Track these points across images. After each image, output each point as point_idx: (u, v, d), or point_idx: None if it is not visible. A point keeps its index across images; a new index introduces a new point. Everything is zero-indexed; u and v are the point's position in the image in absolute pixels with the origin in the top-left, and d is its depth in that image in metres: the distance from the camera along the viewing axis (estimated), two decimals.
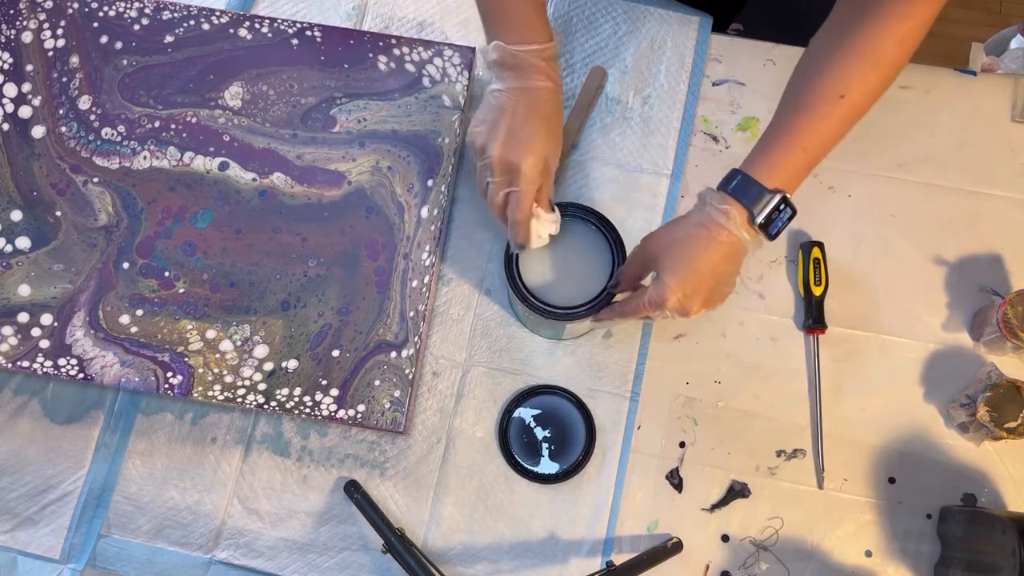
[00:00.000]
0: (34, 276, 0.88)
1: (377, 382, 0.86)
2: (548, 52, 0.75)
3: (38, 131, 0.92)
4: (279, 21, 0.94)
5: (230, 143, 0.91)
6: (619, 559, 0.79)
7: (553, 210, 0.78)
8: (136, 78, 0.93)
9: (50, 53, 0.93)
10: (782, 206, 0.70)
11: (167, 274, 0.88)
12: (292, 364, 0.86)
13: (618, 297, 0.79)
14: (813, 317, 0.86)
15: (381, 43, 0.93)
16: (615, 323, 0.79)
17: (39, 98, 0.92)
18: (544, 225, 0.77)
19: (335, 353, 0.86)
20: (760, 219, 0.70)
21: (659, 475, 0.85)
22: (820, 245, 0.88)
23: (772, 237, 0.71)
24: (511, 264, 0.79)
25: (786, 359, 0.88)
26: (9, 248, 0.89)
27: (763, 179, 0.69)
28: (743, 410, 0.86)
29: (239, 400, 0.85)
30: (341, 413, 0.85)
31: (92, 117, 0.92)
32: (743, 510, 0.84)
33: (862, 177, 0.92)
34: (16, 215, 0.90)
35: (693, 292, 0.72)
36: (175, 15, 0.94)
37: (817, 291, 0.87)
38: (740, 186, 0.70)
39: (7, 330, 0.87)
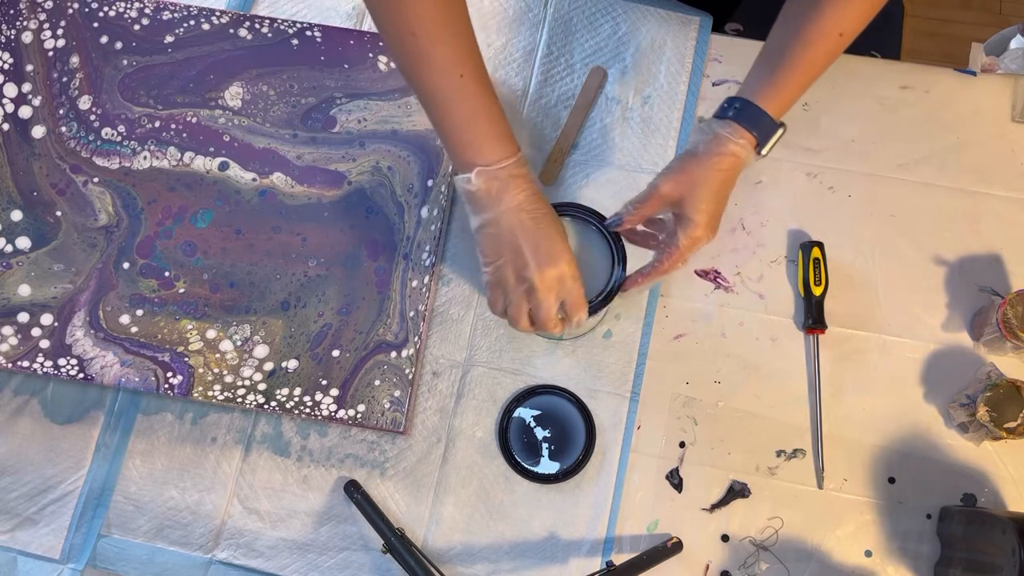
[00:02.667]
0: (34, 276, 0.88)
1: (377, 382, 0.86)
2: (522, 158, 0.72)
3: (38, 131, 0.92)
4: (279, 21, 0.94)
5: (230, 143, 0.91)
6: (619, 559, 0.79)
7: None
8: (136, 78, 0.93)
9: (50, 53, 0.93)
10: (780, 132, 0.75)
11: (167, 274, 0.88)
12: (292, 364, 0.86)
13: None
14: (813, 317, 0.86)
15: (381, 43, 0.93)
16: (647, 286, 0.78)
17: (39, 98, 0.92)
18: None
19: (335, 353, 0.86)
20: (765, 150, 0.74)
21: (659, 475, 0.85)
22: (820, 245, 0.88)
23: (764, 155, 0.75)
24: None
25: (786, 359, 0.88)
26: (9, 248, 0.89)
27: (770, 109, 0.74)
28: (743, 410, 0.86)
29: (239, 400, 0.85)
30: (341, 413, 0.85)
31: (92, 117, 0.92)
32: (743, 510, 0.84)
33: (862, 177, 0.92)
34: (16, 215, 0.90)
35: (716, 223, 0.75)
36: (175, 15, 0.94)
37: (817, 291, 0.87)
38: (750, 117, 0.74)
39: (7, 330, 0.87)
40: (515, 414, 0.86)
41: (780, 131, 0.74)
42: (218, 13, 0.94)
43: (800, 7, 0.73)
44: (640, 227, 0.79)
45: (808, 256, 0.88)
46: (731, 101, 0.75)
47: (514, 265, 0.71)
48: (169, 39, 0.94)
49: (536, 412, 0.86)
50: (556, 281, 0.72)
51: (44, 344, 0.86)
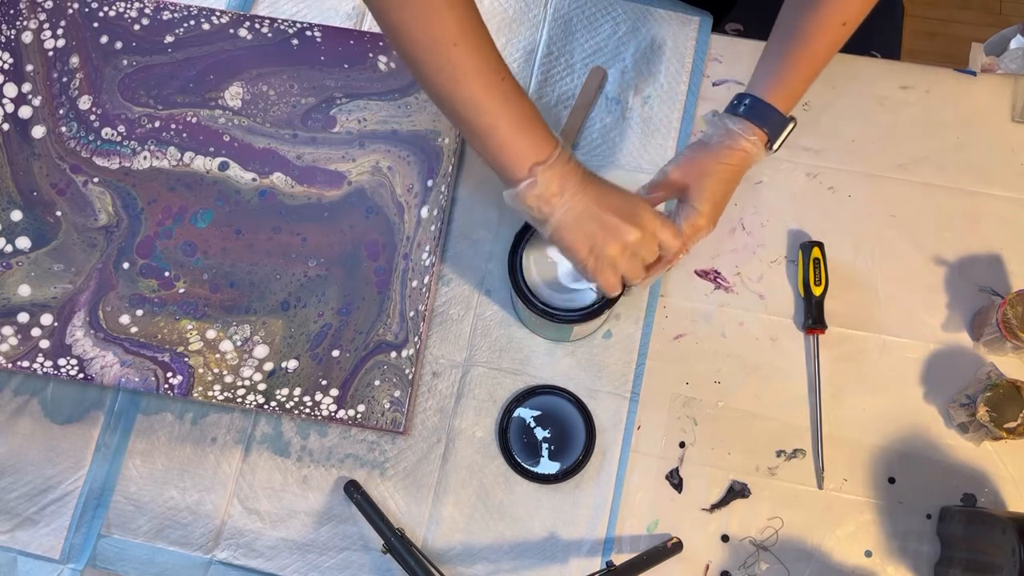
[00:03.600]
0: (34, 276, 0.88)
1: (377, 382, 0.86)
2: (560, 142, 0.70)
3: (38, 131, 0.92)
4: (279, 21, 0.94)
5: (230, 143, 0.91)
6: (619, 559, 0.79)
7: None
8: (136, 78, 0.93)
9: (50, 53, 0.93)
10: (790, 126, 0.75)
11: (167, 274, 0.88)
12: (292, 364, 0.86)
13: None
14: (813, 317, 0.86)
15: (381, 43, 0.93)
16: (651, 280, 0.77)
17: (39, 98, 0.92)
18: None
19: (335, 353, 0.86)
20: (776, 146, 0.75)
21: (659, 475, 0.85)
22: (820, 245, 0.88)
23: (774, 151, 0.76)
24: (515, 269, 0.79)
25: (786, 359, 0.88)
26: (9, 248, 0.89)
27: (779, 105, 0.74)
28: (743, 410, 0.86)
29: (239, 400, 0.85)
30: (341, 413, 0.85)
31: (92, 117, 0.92)
32: (743, 510, 0.84)
33: (862, 177, 0.92)
34: (16, 215, 0.90)
35: (717, 215, 0.76)
36: (175, 15, 0.94)
37: (817, 291, 0.87)
38: (761, 113, 0.74)
39: (7, 330, 0.87)
40: (515, 414, 0.86)
41: (791, 126, 0.75)
42: (218, 13, 0.94)
43: (802, 1, 0.74)
44: None
45: (808, 256, 0.88)
46: (741, 97, 0.75)
47: (611, 237, 0.70)
48: (169, 39, 0.94)
49: (536, 412, 0.86)
50: (650, 229, 0.71)
51: (44, 344, 0.86)
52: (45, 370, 0.86)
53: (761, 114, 0.74)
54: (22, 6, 0.94)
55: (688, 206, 0.75)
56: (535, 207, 0.69)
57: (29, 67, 0.93)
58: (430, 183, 0.90)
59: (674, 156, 0.77)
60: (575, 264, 0.72)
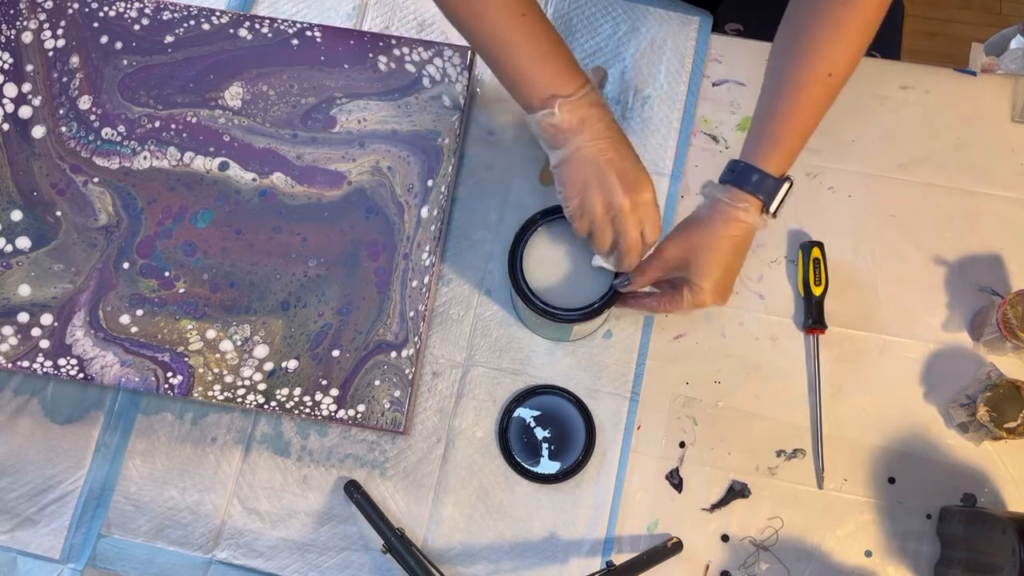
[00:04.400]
0: (34, 276, 0.88)
1: (377, 382, 0.86)
2: (593, 87, 0.72)
3: (38, 131, 0.92)
4: (279, 21, 0.94)
5: (230, 143, 0.91)
6: (619, 559, 0.79)
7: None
8: (136, 78, 0.93)
9: (50, 53, 0.93)
10: (787, 188, 0.74)
11: (167, 274, 0.88)
12: (292, 364, 0.86)
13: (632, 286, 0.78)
14: (813, 317, 0.86)
15: (381, 43, 0.93)
16: (638, 313, 0.79)
17: (39, 98, 0.92)
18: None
19: (335, 353, 0.86)
20: (773, 208, 0.73)
21: (659, 475, 0.85)
22: (820, 245, 0.88)
23: (775, 215, 0.74)
24: (516, 268, 0.79)
25: (786, 359, 0.88)
26: (9, 248, 0.89)
27: (770, 168, 0.72)
28: (743, 410, 0.86)
29: (239, 400, 0.85)
30: (341, 413, 0.85)
31: (92, 117, 0.92)
32: (743, 510, 0.84)
33: (862, 177, 0.92)
34: (16, 215, 0.90)
35: (724, 289, 0.75)
36: (175, 15, 0.94)
37: (817, 291, 0.87)
38: (751, 179, 0.72)
39: (7, 330, 0.87)
40: (515, 414, 0.86)
41: (786, 186, 0.73)
42: (218, 13, 0.94)
43: (786, 50, 0.72)
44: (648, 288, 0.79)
45: (808, 256, 0.88)
46: (733, 165, 0.74)
47: (601, 193, 0.71)
48: (169, 39, 0.94)
49: (536, 412, 0.86)
50: (641, 206, 0.72)
51: (44, 344, 0.86)
52: (45, 370, 0.86)
53: (751, 180, 0.72)
54: (22, 6, 0.94)
55: (690, 283, 0.74)
56: (550, 136, 0.71)
57: (29, 67, 0.93)
58: (430, 183, 0.90)
59: (670, 232, 0.76)
60: (562, 201, 0.74)
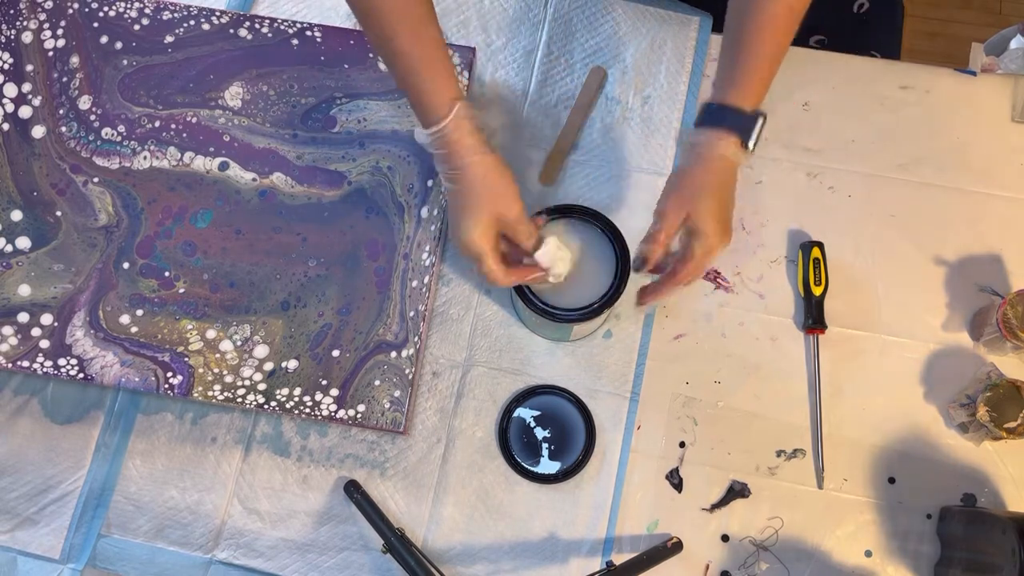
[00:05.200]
0: (34, 276, 0.88)
1: (377, 382, 0.86)
2: (460, 113, 0.73)
3: (38, 131, 0.92)
4: (279, 21, 0.94)
5: (230, 143, 0.91)
6: (619, 559, 0.79)
7: (539, 245, 0.76)
8: (136, 78, 0.93)
9: (50, 53, 0.93)
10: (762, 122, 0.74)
11: (167, 274, 0.88)
12: (292, 364, 0.86)
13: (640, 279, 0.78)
14: (813, 317, 0.86)
15: None
16: (664, 299, 0.79)
17: (39, 98, 0.92)
18: (551, 260, 0.76)
19: (335, 353, 0.86)
20: (752, 144, 0.74)
21: (659, 475, 0.85)
22: (820, 245, 0.88)
23: (752, 149, 0.75)
24: None
25: (786, 359, 0.88)
26: (9, 248, 0.89)
27: (744, 104, 0.73)
28: (743, 410, 0.86)
29: (239, 400, 0.85)
30: (341, 413, 0.85)
31: (92, 117, 0.92)
32: (743, 510, 0.84)
33: (862, 177, 0.92)
34: (16, 215, 0.90)
35: (725, 227, 0.75)
36: (175, 15, 0.94)
37: (817, 291, 0.87)
38: (725, 118, 0.73)
39: (7, 330, 0.87)
40: (515, 414, 0.86)
41: (761, 121, 0.74)
42: (218, 13, 0.94)
43: None
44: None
45: (808, 256, 0.88)
46: (706, 107, 0.75)
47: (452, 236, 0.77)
48: (169, 39, 0.94)
49: (536, 412, 0.86)
50: (476, 255, 0.75)
51: (44, 344, 0.86)
52: (45, 370, 0.86)
53: (726, 118, 0.73)
54: (22, 6, 0.94)
55: (695, 231, 0.74)
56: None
57: (29, 67, 0.93)
58: (430, 183, 0.90)
59: (661, 193, 0.77)
60: None
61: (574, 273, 0.79)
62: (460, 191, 0.74)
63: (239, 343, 0.86)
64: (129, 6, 0.94)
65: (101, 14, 0.94)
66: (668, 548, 0.80)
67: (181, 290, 0.88)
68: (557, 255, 0.76)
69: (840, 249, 0.89)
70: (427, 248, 0.89)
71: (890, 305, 0.88)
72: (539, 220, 0.78)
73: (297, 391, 0.85)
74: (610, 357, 0.88)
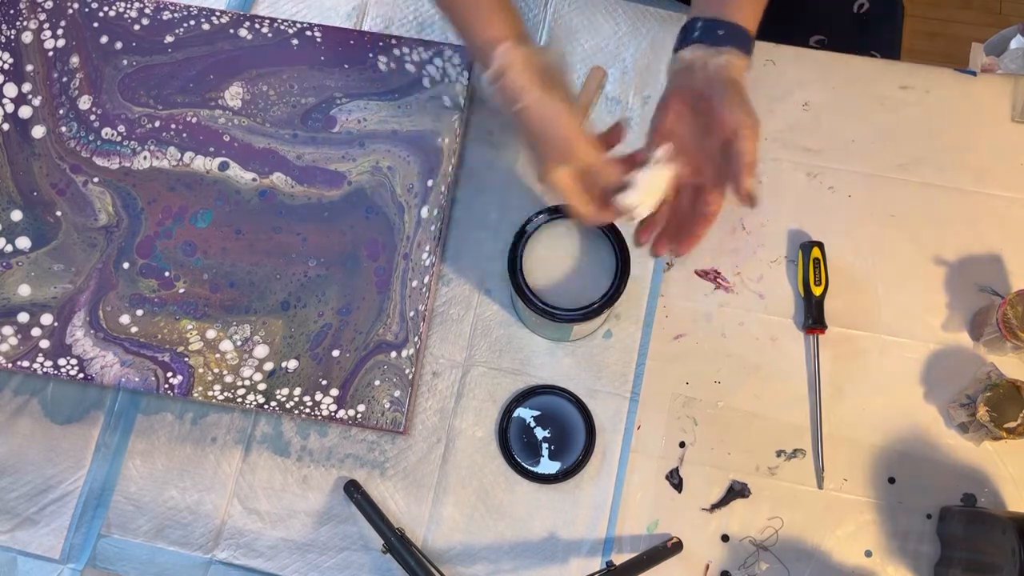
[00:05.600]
0: (34, 276, 0.88)
1: (377, 382, 0.86)
2: (518, 40, 0.68)
3: (38, 131, 0.92)
4: (279, 21, 0.94)
5: (230, 143, 0.91)
6: (619, 559, 0.79)
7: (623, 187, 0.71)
8: (136, 78, 0.93)
9: (50, 53, 0.93)
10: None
11: (167, 274, 0.88)
12: (292, 364, 0.86)
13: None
14: (813, 317, 0.86)
15: (381, 43, 0.93)
16: (710, 223, 0.71)
17: (39, 98, 0.92)
18: (632, 203, 0.70)
19: (335, 353, 0.86)
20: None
21: (659, 475, 0.85)
22: (820, 245, 0.88)
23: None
24: (516, 268, 0.79)
25: (786, 359, 0.88)
26: (9, 248, 0.89)
27: (743, 23, 0.67)
28: (743, 410, 0.86)
29: (239, 400, 0.85)
30: (341, 413, 0.85)
31: (92, 117, 0.92)
32: (743, 510, 0.84)
33: (862, 177, 0.92)
34: (16, 215, 0.90)
35: (751, 106, 0.67)
36: (175, 15, 0.94)
37: (817, 291, 0.87)
38: (729, 35, 0.67)
39: (7, 330, 0.87)
40: (515, 414, 0.86)
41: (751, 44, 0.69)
42: (218, 13, 0.94)
43: None
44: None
45: (808, 256, 0.88)
46: (690, 24, 0.68)
47: (534, 162, 0.73)
48: (169, 39, 0.94)
49: (536, 412, 0.86)
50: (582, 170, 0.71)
51: (44, 344, 0.86)
52: (45, 370, 0.86)
53: (718, 34, 0.67)
54: (22, 6, 0.94)
55: (726, 114, 0.66)
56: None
57: (29, 67, 0.93)
58: (430, 183, 0.90)
59: (656, 111, 0.70)
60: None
61: (576, 273, 0.79)
62: (521, 139, 0.70)
63: (239, 343, 0.86)
64: (129, 6, 0.94)
65: (101, 14, 0.94)
66: (668, 548, 0.80)
67: (181, 290, 0.88)
68: (640, 200, 0.70)
69: (840, 249, 0.89)
70: (427, 248, 0.89)
71: (890, 305, 0.88)
72: (637, 156, 0.72)
73: (297, 391, 0.85)
74: (610, 357, 0.88)
